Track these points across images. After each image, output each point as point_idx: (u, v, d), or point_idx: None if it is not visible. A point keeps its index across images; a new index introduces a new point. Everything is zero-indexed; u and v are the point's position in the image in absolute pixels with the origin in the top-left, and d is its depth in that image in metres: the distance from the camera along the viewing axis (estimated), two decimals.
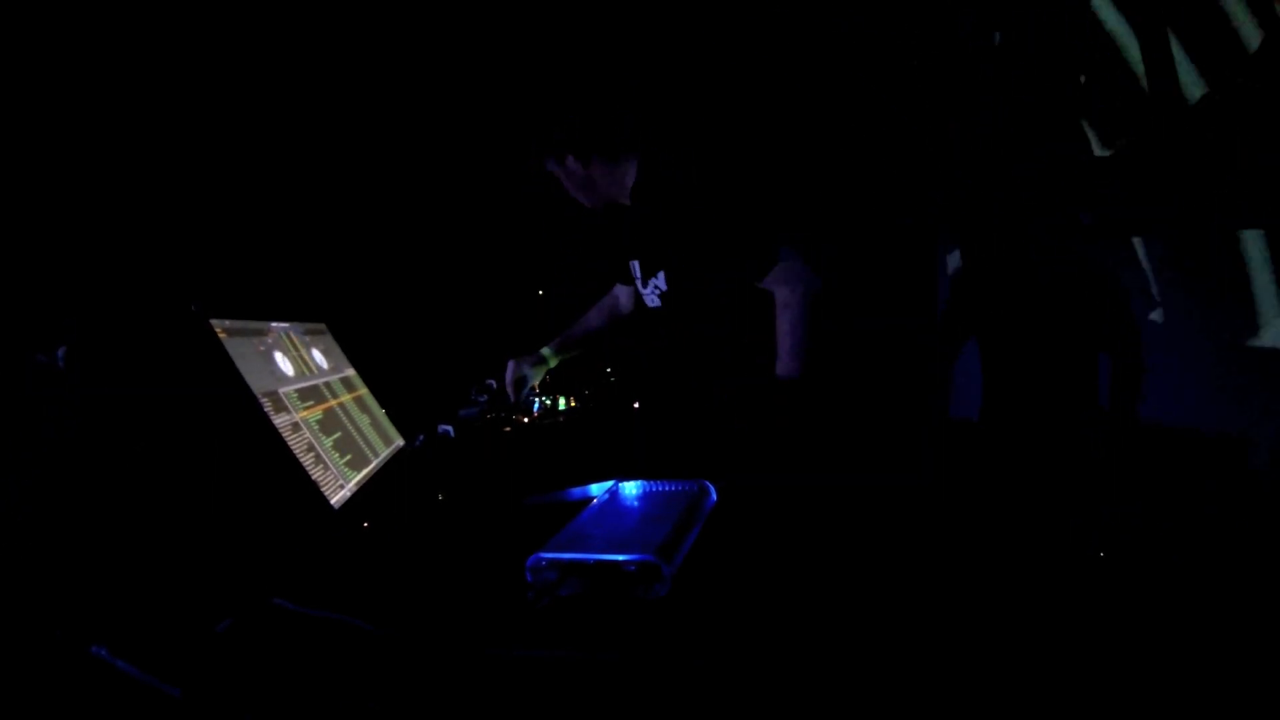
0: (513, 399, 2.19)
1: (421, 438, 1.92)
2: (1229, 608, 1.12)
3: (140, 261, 1.89)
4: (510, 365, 2.23)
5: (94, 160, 1.86)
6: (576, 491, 1.43)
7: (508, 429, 2.02)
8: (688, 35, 2.66)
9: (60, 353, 1.43)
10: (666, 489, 1.35)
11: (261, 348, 1.60)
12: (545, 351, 2.26)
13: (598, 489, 1.42)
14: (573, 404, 2.17)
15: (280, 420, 1.47)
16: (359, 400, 1.84)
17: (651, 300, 2.00)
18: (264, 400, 1.47)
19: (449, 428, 1.93)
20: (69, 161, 1.81)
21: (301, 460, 1.46)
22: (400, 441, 1.89)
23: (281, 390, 1.56)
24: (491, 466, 1.80)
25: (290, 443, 1.46)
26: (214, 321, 1.50)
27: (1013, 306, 2.53)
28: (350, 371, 1.91)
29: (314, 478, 1.45)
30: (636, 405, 2.04)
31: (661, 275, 1.94)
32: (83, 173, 1.84)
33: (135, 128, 1.95)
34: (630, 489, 1.36)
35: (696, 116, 2.62)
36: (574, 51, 2.63)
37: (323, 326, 1.91)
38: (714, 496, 1.32)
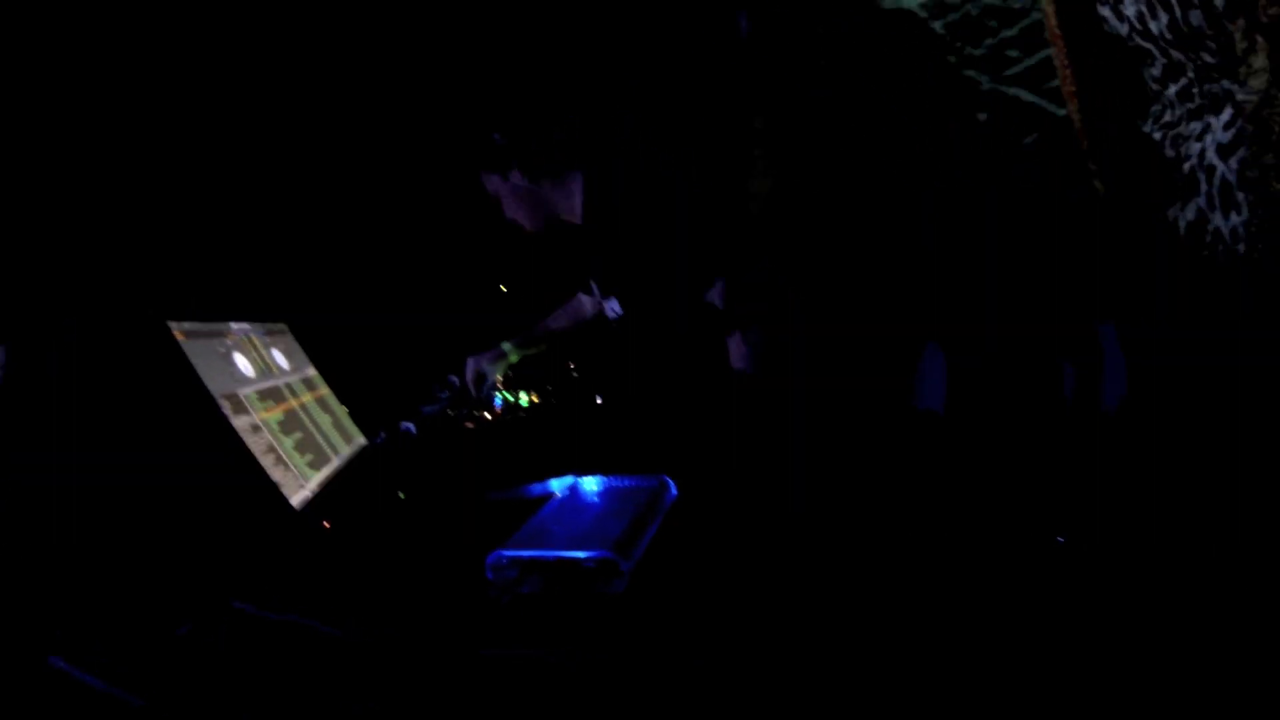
0: (474, 395, 2.21)
1: (383, 435, 1.92)
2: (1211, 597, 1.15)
3: (95, 260, 1.87)
4: (469, 362, 2.24)
5: (43, 159, 1.84)
6: (537, 487, 1.45)
7: (469, 425, 2.03)
8: (684, 33, 2.65)
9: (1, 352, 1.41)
10: (626, 485, 1.37)
11: (221, 350, 1.60)
12: (505, 346, 2.27)
13: (558, 484, 1.44)
14: (534, 400, 2.18)
15: (240, 422, 1.48)
16: (320, 400, 1.85)
17: (613, 313, 2.02)
18: (223, 402, 1.47)
19: (411, 425, 1.94)
20: (21, 161, 1.79)
21: (261, 461, 1.46)
22: (362, 440, 1.89)
23: (241, 392, 1.56)
24: (454, 463, 1.80)
25: (250, 444, 1.46)
26: (172, 324, 1.49)
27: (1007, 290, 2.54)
28: (311, 371, 1.91)
29: (274, 479, 1.46)
30: (600, 400, 2.06)
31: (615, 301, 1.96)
32: (34, 172, 1.82)
33: (81, 122, 1.92)
34: (590, 484, 1.39)
35: (692, 115, 2.61)
36: (561, 51, 2.62)
37: (283, 327, 1.91)
38: (674, 491, 1.35)
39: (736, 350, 1.81)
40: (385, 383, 2.26)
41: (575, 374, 2.28)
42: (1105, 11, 1.23)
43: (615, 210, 1.95)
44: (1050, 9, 1.36)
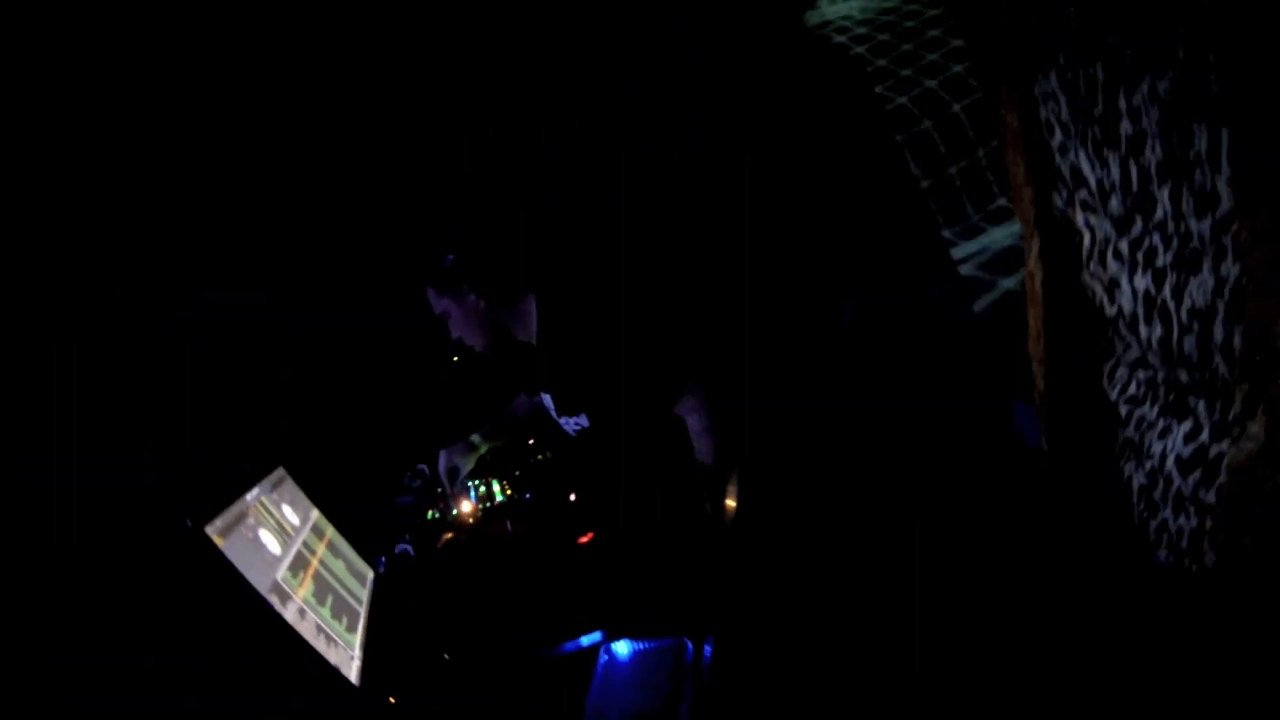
0: (449, 489, 2.37)
1: (384, 562, 2.08)
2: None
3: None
4: (441, 456, 2.39)
5: None
6: (570, 645, 1.68)
7: (450, 535, 2.20)
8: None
9: None
10: (651, 647, 1.62)
11: (250, 536, 1.70)
12: (475, 439, 2.43)
13: (588, 640, 1.68)
14: (508, 491, 2.36)
15: (289, 613, 1.61)
16: (331, 546, 1.97)
17: (570, 429, 2.19)
18: (272, 599, 1.59)
19: (407, 546, 2.10)
20: None
21: (315, 646, 1.61)
22: (370, 574, 2.03)
23: (279, 576, 1.68)
24: (467, 598, 1.96)
25: (303, 633, 1.60)
26: (208, 529, 1.59)
27: None
28: (315, 514, 2.01)
29: (332, 661, 1.62)
30: (573, 498, 2.25)
31: (584, 417, 2.14)
32: None
33: None
34: (621, 650, 1.63)
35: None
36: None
37: (282, 473, 1.99)
38: (691, 650, 1.61)
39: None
40: (356, 478, 2.38)
41: (545, 461, 2.47)
42: (1098, 292, 1.19)
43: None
44: (1038, 272, 1.31)
